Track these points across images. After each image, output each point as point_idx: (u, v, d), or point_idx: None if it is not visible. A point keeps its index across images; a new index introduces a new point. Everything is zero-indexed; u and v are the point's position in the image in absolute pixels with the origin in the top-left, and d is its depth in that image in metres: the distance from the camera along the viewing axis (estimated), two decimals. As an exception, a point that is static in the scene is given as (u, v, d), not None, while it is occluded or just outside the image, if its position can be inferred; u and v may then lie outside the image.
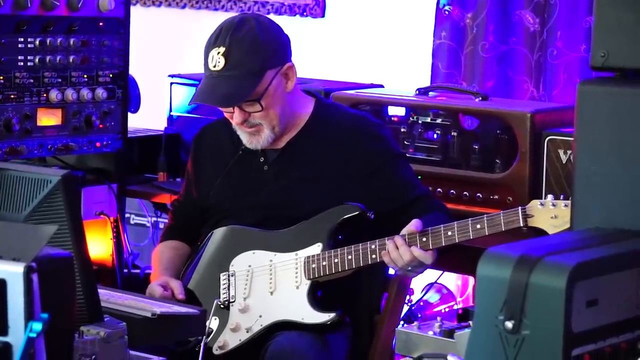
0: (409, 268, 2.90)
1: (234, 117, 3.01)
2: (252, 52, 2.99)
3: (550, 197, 2.79)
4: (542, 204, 2.78)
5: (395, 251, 2.86)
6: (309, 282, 2.97)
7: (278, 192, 3.06)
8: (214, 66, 2.99)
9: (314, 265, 2.96)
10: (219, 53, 2.98)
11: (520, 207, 2.80)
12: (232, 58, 2.97)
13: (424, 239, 2.86)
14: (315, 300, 2.96)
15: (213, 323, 2.99)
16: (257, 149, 3.08)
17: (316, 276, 2.96)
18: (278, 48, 3.04)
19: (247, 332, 2.98)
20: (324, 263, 2.95)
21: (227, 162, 3.13)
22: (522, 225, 2.80)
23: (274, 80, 3.00)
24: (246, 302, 3.00)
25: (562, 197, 2.79)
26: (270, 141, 3.05)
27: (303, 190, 3.04)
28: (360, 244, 2.93)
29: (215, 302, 2.99)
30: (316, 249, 2.98)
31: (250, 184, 3.10)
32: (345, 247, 2.94)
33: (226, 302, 3.02)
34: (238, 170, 3.12)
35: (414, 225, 2.86)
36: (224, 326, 3.00)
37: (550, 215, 2.77)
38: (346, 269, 2.94)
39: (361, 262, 2.93)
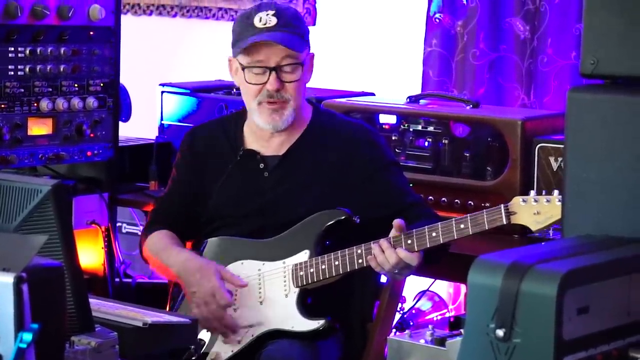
0: (396, 271, 2.89)
1: (270, 82, 2.98)
2: (298, 20, 3.05)
3: (532, 193, 2.78)
4: (524, 201, 2.77)
5: (382, 255, 2.85)
6: (297, 289, 2.96)
7: (279, 199, 3.04)
8: (265, 24, 2.99)
9: (301, 273, 2.95)
10: (268, 14, 3.00)
11: (502, 205, 2.79)
12: (283, 19, 3.01)
13: (409, 241, 2.86)
14: (305, 307, 2.96)
15: (205, 335, 2.98)
16: (276, 129, 3.03)
17: (304, 283, 2.95)
18: (309, 32, 3.10)
19: (239, 342, 2.97)
20: (312, 270, 2.94)
21: (226, 165, 3.10)
22: (505, 222, 2.79)
23: (307, 58, 3.06)
24: (237, 313, 2.99)
25: (544, 192, 2.78)
26: (289, 123, 3.03)
27: (303, 197, 3.03)
28: (347, 249, 2.92)
29: None
30: (303, 256, 2.97)
31: (250, 190, 3.08)
32: (332, 253, 2.93)
33: None
34: (237, 175, 3.09)
35: (396, 227, 2.85)
36: (216, 337, 2.99)
37: (532, 211, 2.76)
38: (333, 274, 2.93)
39: (348, 267, 2.92)
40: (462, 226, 2.82)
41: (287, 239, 3.00)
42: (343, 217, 2.97)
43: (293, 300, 2.96)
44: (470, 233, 2.82)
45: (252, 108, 3.05)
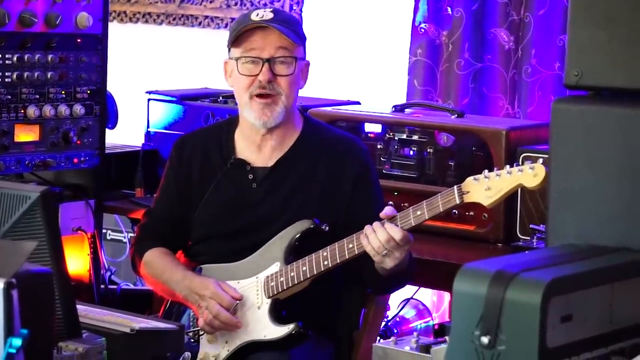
0: (384, 252, 2.82)
1: (262, 73, 2.99)
2: (295, 21, 3.09)
3: (485, 171, 2.77)
4: (475, 179, 2.75)
5: (372, 233, 2.82)
6: (269, 300, 2.95)
7: (267, 213, 3.03)
8: (262, 17, 3.02)
9: (272, 283, 2.95)
10: (265, 11, 3.04)
11: (456, 186, 2.78)
12: (279, 15, 3.05)
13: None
14: (277, 317, 2.95)
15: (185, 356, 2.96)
16: (266, 127, 3.01)
17: (275, 293, 2.95)
18: (305, 38, 3.11)
19: (215, 359, 2.98)
20: (282, 279, 2.94)
21: (215, 173, 3.09)
22: (458, 202, 2.76)
23: (301, 61, 3.06)
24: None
25: (495, 169, 2.77)
26: (280, 120, 3.01)
27: (289, 211, 3.01)
28: (314, 254, 2.91)
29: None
30: (275, 267, 2.96)
31: (237, 202, 3.06)
32: (300, 260, 2.93)
33: (196, 336, 3.02)
34: (226, 184, 3.08)
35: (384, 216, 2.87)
36: (195, 358, 2.98)
37: (483, 187, 2.74)
38: (302, 279, 2.91)
39: (315, 270, 2.90)
40: (418, 212, 2.81)
41: (261, 255, 2.99)
42: (312, 227, 2.96)
43: (265, 310, 2.95)
44: (427, 217, 2.80)
45: (243, 103, 3.03)
